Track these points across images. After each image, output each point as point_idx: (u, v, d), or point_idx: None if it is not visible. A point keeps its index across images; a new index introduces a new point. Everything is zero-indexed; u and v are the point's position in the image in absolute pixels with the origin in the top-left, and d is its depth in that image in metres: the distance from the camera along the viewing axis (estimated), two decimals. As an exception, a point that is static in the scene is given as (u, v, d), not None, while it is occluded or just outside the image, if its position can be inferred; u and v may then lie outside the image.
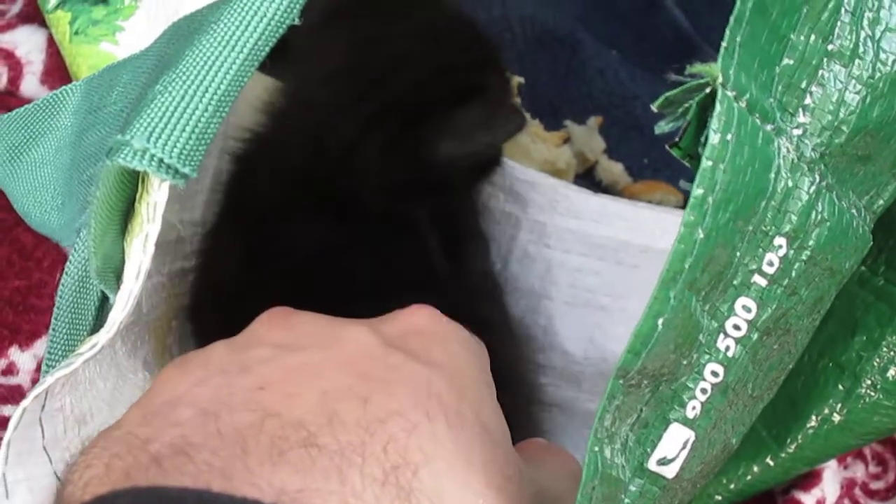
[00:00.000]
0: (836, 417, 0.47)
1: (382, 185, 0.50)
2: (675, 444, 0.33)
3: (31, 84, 0.61)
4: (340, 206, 0.50)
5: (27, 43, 0.61)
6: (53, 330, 0.41)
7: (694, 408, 0.32)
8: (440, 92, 0.50)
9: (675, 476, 0.33)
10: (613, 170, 0.67)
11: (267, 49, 0.33)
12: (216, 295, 0.52)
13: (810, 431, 0.48)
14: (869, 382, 0.46)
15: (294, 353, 0.34)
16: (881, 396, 0.46)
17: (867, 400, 0.46)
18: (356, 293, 0.47)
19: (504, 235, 0.60)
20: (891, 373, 0.45)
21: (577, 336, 0.59)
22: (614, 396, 0.30)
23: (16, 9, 0.61)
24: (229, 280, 0.51)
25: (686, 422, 0.32)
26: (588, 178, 0.67)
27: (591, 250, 0.59)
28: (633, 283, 0.59)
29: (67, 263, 0.41)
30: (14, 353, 0.58)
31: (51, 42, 0.60)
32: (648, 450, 0.32)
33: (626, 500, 0.32)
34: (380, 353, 0.34)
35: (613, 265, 0.59)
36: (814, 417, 0.47)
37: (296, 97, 0.52)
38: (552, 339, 0.59)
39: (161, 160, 0.31)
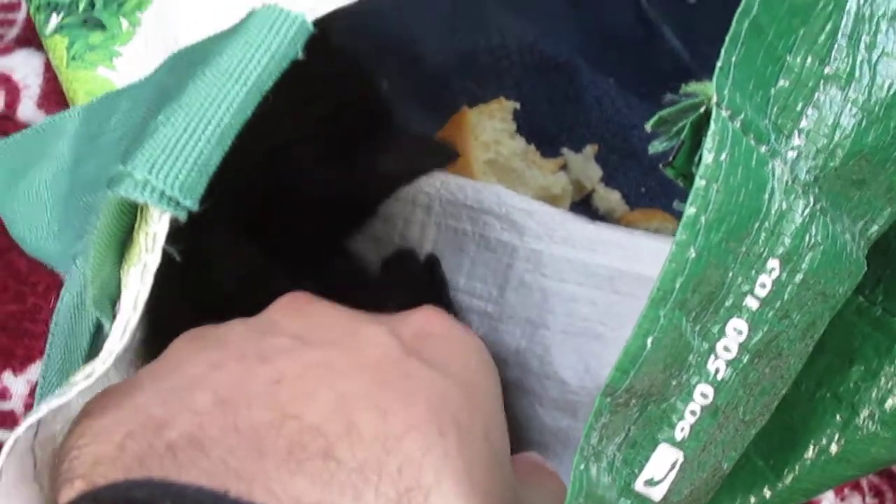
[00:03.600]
0: (834, 448, 0.46)
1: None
2: (663, 465, 0.32)
3: (27, 108, 0.61)
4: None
5: (24, 67, 0.61)
6: (48, 356, 0.41)
7: (683, 429, 0.32)
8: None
9: (663, 498, 0.32)
10: (610, 198, 0.67)
11: (270, 82, 0.33)
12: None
13: (807, 462, 0.47)
14: (866, 413, 0.45)
15: (312, 348, 0.34)
16: (879, 428, 0.45)
17: (865, 431, 0.46)
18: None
19: (500, 264, 0.59)
20: (889, 404, 0.45)
21: (574, 365, 0.59)
22: (601, 414, 0.30)
23: (13, 33, 0.61)
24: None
25: (675, 443, 0.32)
26: (585, 206, 0.67)
27: (587, 279, 0.58)
28: (629, 312, 0.58)
29: (63, 290, 0.41)
30: (7, 378, 0.58)
31: (48, 66, 0.61)
32: (636, 470, 0.32)
33: (613, 521, 0.32)
34: (397, 358, 0.35)
35: (610, 294, 0.58)
36: (811, 448, 0.47)
37: None
38: (548, 368, 0.59)
39: (162, 192, 0.31)
